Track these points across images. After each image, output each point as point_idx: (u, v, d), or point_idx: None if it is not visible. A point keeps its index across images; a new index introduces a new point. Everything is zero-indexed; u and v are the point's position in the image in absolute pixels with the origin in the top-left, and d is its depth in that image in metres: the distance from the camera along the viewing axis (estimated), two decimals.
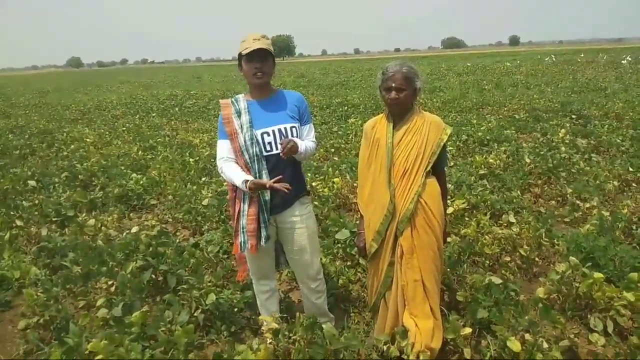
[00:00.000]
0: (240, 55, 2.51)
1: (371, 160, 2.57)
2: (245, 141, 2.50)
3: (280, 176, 2.40)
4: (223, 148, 2.59)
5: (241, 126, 2.53)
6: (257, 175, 2.50)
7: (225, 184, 5.67)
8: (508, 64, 32.94)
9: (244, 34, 2.55)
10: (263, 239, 2.55)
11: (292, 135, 2.54)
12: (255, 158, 2.50)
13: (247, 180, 2.41)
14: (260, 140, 2.51)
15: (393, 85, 2.41)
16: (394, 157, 2.46)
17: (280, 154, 2.43)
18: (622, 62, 27.27)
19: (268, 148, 2.52)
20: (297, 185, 2.60)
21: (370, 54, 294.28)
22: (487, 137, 7.87)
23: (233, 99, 2.64)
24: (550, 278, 3.19)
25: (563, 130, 7.94)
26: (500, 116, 10.41)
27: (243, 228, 2.56)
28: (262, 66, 2.47)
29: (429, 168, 2.45)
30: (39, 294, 3.30)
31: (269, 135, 2.52)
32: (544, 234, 3.95)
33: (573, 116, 9.79)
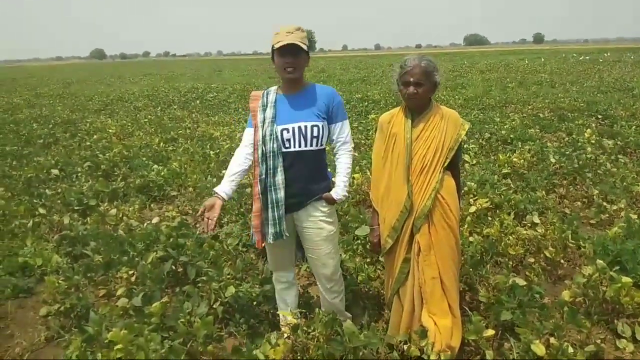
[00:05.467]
0: (273, 48, 2.45)
1: (387, 155, 2.51)
2: (264, 136, 2.46)
3: (209, 216, 2.39)
4: (246, 136, 2.60)
5: (264, 120, 2.49)
6: (272, 172, 2.46)
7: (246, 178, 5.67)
8: (526, 61, 32.22)
9: (277, 27, 2.47)
10: (270, 237, 2.50)
11: (313, 135, 2.47)
12: (272, 154, 2.45)
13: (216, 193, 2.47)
14: (280, 137, 2.46)
15: (411, 79, 2.33)
16: (412, 153, 2.40)
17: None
18: None
19: (287, 145, 2.47)
20: (315, 186, 2.57)
21: (391, 49, 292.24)
22: (511, 136, 7.72)
23: (265, 91, 2.59)
24: (576, 281, 3.11)
25: (589, 130, 7.74)
26: (524, 115, 10.20)
27: (251, 222, 2.58)
28: (293, 61, 2.42)
29: (446, 164, 2.40)
30: (60, 281, 3.35)
31: (288, 132, 2.46)
32: (570, 236, 3.85)
33: (599, 116, 9.56)
